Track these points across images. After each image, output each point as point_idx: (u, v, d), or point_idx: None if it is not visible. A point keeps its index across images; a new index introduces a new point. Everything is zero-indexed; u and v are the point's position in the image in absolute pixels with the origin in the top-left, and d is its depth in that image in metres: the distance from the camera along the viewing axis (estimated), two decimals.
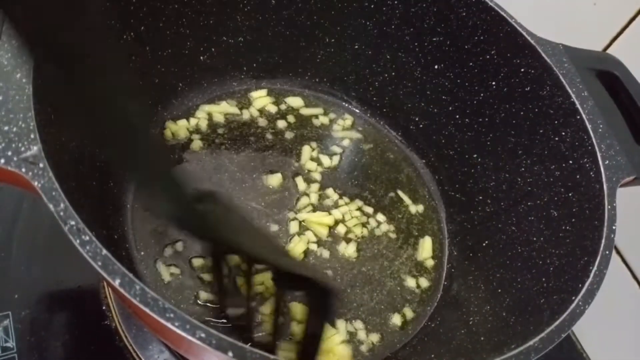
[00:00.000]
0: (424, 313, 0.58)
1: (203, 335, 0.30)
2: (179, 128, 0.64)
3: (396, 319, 0.57)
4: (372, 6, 0.64)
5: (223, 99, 0.69)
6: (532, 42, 0.54)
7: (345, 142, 0.71)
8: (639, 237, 0.64)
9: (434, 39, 0.62)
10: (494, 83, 0.59)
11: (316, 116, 0.72)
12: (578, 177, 0.49)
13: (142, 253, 0.54)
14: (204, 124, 0.66)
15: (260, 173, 0.64)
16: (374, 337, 0.55)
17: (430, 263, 0.63)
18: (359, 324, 0.56)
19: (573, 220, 0.48)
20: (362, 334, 0.55)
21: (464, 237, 0.64)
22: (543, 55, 0.53)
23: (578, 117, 0.50)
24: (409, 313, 0.58)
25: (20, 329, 0.52)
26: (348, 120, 0.73)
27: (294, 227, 0.60)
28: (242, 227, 0.48)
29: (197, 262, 0.54)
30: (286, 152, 0.67)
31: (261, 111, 0.70)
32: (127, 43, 0.54)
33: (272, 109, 0.70)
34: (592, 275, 0.41)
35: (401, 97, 0.70)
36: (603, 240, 0.43)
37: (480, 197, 0.63)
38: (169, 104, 0.65)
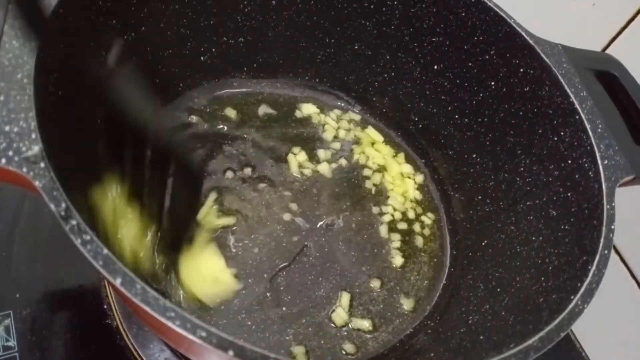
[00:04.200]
0: (423, 312, 0.59)
1: (204, 334, 0.30)
2: None
3: (395, 317, 0.57)
4: (372, 7, 0.64)
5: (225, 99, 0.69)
6: (531, 42, 0.54)
7: (345, 142, 0.71)
8: (637, 237, 0.64)
9: (434, 39, 0.63)
10: (493, 83, 0.59)
11: (316, 116, 0.72)
12: (577, 176, 0.49)
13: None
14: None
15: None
16: (373, 335, 0.56)
17: (429, 262, 0.63)
18: (356, 321, 0.56)
19: (572, 219, 0.48)
20: (360, 331, 0.55)
21: (463, 236, 0.64)
22: (542, 55, 0.53)
23: (577, 117, 0.50)
24: (407, 311, 0.58)
25: (22, 328, 0.52)
26: (348, 120, 0.73)
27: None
28: None
29: None
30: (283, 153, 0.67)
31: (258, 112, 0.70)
32: (128, 43, 0.54)
33: (273, 110, 0.71)
34: (591, 274, 0.41)
35: (401, 97, 0.71)
36: (602, 240, 0.43)
37: (480, 197, 0.63)
38: (170, 105, 0.65)
